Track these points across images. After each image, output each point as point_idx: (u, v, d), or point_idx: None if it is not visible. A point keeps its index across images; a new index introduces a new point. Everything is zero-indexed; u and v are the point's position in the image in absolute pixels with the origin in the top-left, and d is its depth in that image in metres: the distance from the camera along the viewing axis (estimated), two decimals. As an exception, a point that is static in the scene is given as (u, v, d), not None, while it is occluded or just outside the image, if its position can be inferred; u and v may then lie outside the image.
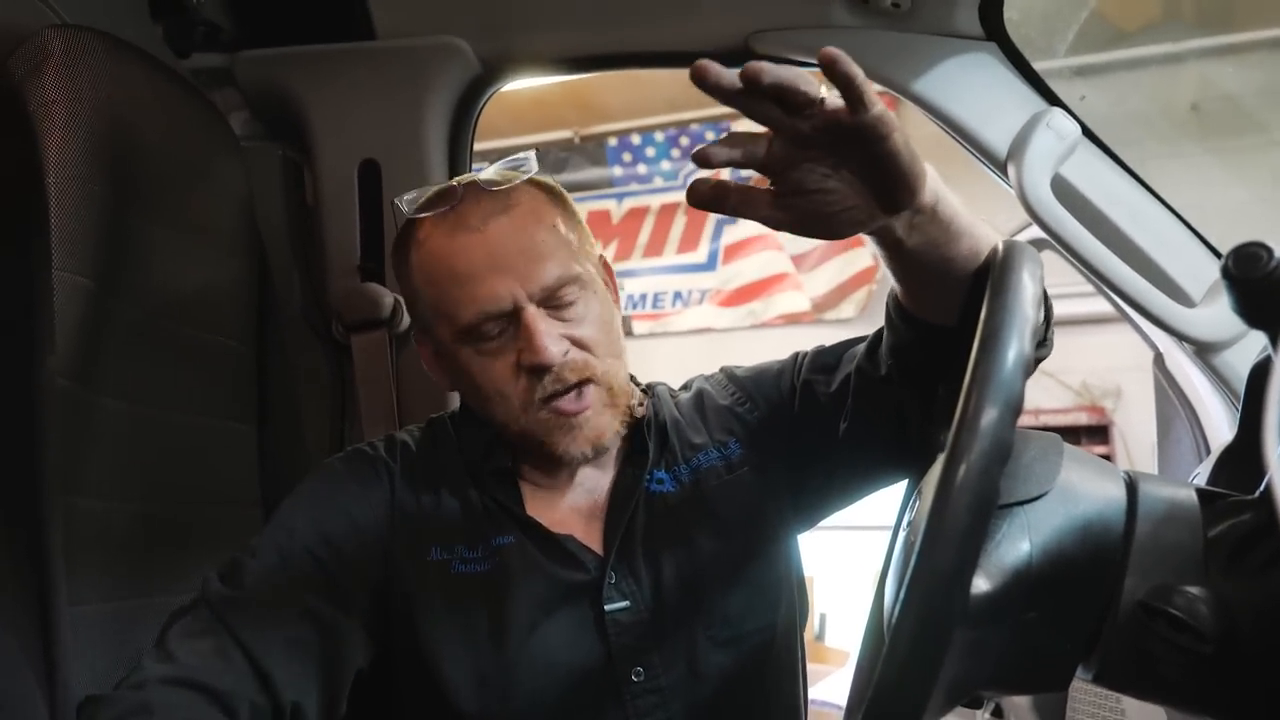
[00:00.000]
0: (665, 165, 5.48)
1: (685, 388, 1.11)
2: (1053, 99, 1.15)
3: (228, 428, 1.20)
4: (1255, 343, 0.99)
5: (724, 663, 0.94)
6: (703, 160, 0.63)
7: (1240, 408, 0.72)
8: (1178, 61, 3.43)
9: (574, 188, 5.44)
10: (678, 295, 5.53)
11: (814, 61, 0.62)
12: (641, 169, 5.51)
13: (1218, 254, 1.08)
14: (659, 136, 5.41)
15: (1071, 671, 0.62)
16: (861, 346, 0.95)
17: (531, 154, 0.97)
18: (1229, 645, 0.55)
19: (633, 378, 1.05)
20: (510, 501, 0.96)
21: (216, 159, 1.23)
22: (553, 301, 0.91)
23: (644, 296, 5.54)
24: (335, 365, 1.39)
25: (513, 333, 0.91)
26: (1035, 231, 1.06)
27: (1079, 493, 0.61)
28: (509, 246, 0.91)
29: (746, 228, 5.37)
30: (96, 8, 1.11)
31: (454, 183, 0.97)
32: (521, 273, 0.90)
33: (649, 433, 1.00)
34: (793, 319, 5.25)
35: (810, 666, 1.07)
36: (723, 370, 1.11)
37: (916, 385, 0.87)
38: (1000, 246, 0.69)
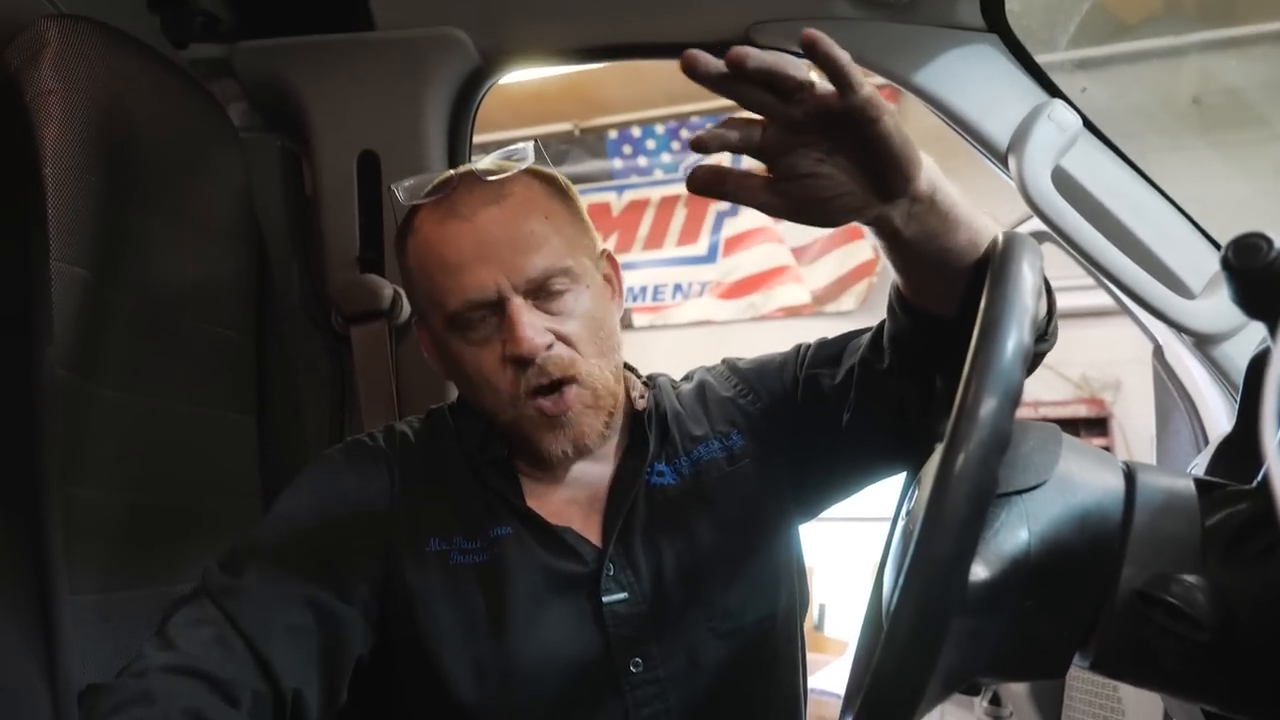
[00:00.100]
0: (665, 158, 5.47)
1: (687, 379, 1.11)
2: (1054, 91, 1.15)
3: (227, 418, 1.20)
4: (1254, 335, 1.00)
5: (724, 654, 0.94)
6: (699, 145, 0.64)
7: (1239, 399, 0.72)
8: (1179, 54, 3.42)
9: (574, 180, 5.38)
10: (678, 288, 5.52)
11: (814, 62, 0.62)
12: (642, 161, 5.50)
13: (1218, 246, 1.08)
14: (659, 129, 5.39)
15: (1069, 659, 0.62)
16: (865, 338, 0.95)
17: (529, 144, 0.97)
18: (1225, 634, 0.55)
19: (634, 370, 1.05)
20: (509, 493, 0.97)
21: (215, 150, 1.23)
22: (540, 294, 0.91)
23: (644, 289, 5.54)
24: (335, 356, 1.39)
25: (498, 323, 0.91)
26: (1036, 224, 1.06)
27: (1077, 482, 0.62)
28: (497, 236, 0.90)
29: (747, 220, 5.37)
30: (94, -3, 1.10)
31: (450, 172, 0.97)
32: (508, 263, 0.89)
33: (649, 425, 1.00)
34: (793, 311, 5.24)
35: (809, 656, 1.08)
36: (725, 362, 1.11)
37: (917, 376, 0.87)
38: (1000, 237, 0.69)
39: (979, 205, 0.78)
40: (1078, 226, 1.01)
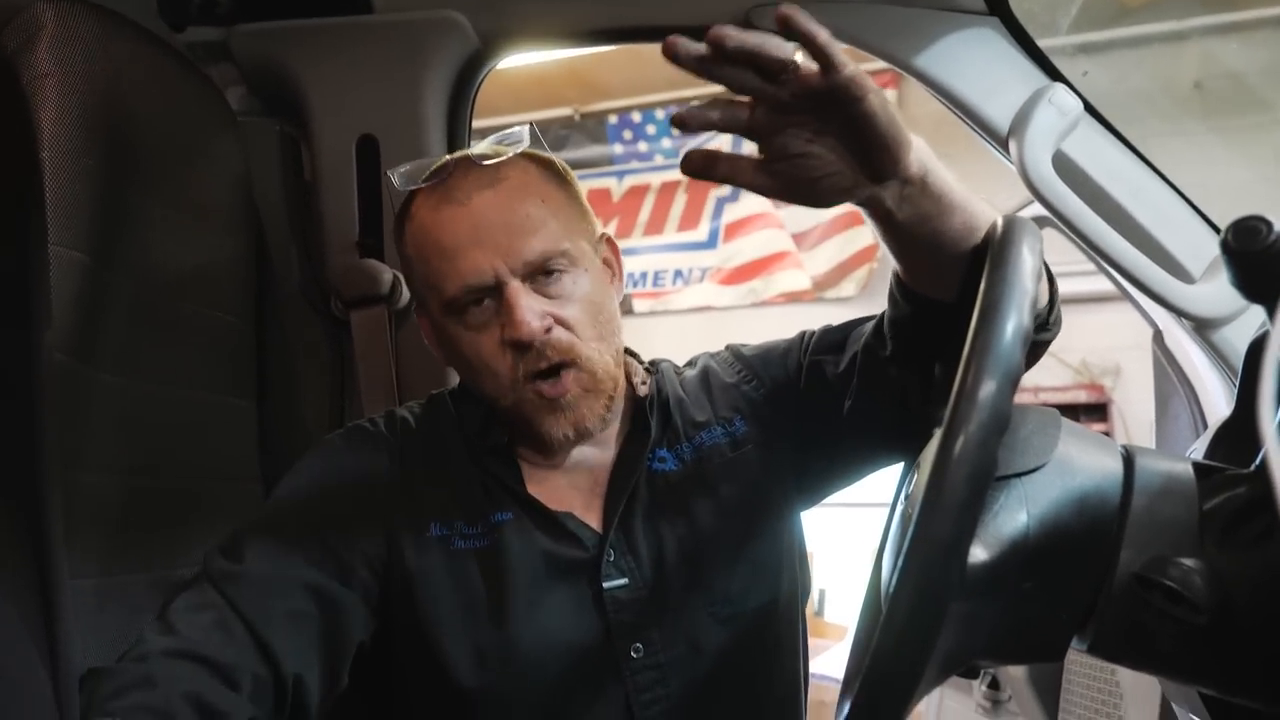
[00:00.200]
0: (666, 143, 5.45)
1: (690, 365, 1.11)
2: (1055, 75, 1.14)
3: (227, 403, 1.20)
4: (1253, 319, 1.00)
5: (724, 639, 0.94)
6: (679, 123, 0.65)
7: (1237, 383, 0.72)
8: (1181, 39, 3.41)
9: (574, 165, 5.37)
10: (678, 273, 5.52)
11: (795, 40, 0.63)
12: (642, 147, 5.49)
13: (1218, 231, 1.07)
14: (659, 114, 5.37)
15: (1067, 642, 0.62)
16: (869, 325, 0.95)
17: (524, 128, 0.96)
18: (1223, 617, 0.55)
19: (636, 355, 1.05)
20: (509, 479, 0.97)
21: (213, 134, 1.22)
22: (538, 277, 0.91)
23: (644, 275, 5.53)
24: (334, 341, 1.39)
25: (496, 307, 0.90)
26: (1036, 210, 1.05)
27: (1076, 465, 0.62)
28: (493, 220, 0.90)
29: (747, 206, 5.36)
30: (90, -21, 1.10)
31: (446, 158, 0.97)
32: (504, 246, 0.89)
33: (651, 411, 1.00)
34: (793, 297, 5.24)
35: (809, 641, 1.08)
36: (729, 348, 1.11)
37: (917, 363, 0.87)
38: (999, 221, 0.69)
39: (980, 190, 0.78)
40: (1078, 211, 1.00)
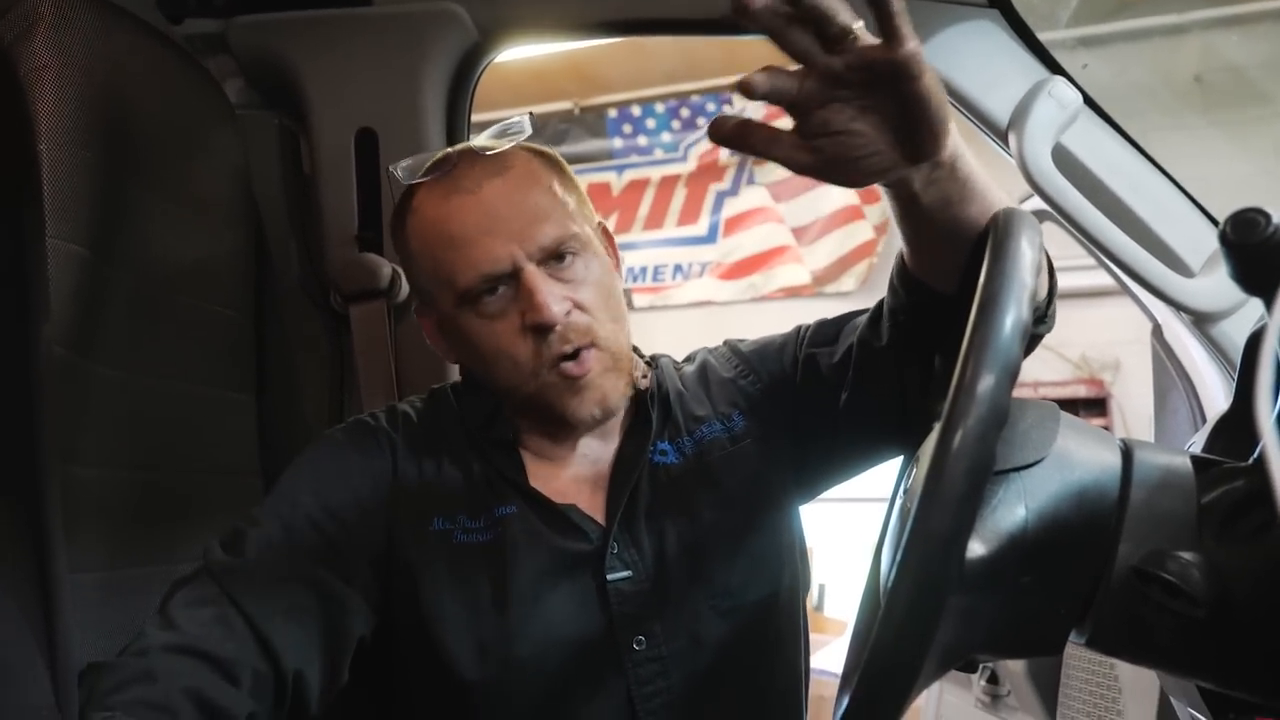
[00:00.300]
0: (666, 137, 5.45)
1: (689, 360, 1.11)
2: (1055, 68, 1.14)
3: (226, 397, 1.20)
4: (1252, 313, 1.00)
5: (725, 632, 0.94)
6: (746, 88, 0.62)
7: (1236, 377, 0.72)
8: (1181, 32, 3.40)
9: (574, 160, 5.37)
10: (678, 268, 5.51)
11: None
12: (642, 141, 5.48)
13: (1217, 224, 1.07)
14: (659, 108, 5.37)
15: (1065, 636, 0.62)
16: (864, 317, 0.95)
17: (525, 117, 0.96)
18: (1221, 610, 0.55)
19: (636, 350, 1.05)
20: (513, 472, 0.97)
21: (211, 127, 1.22)
22: (552, 262, 0.91)
23: (644, 269, 5.53)
24: (334, 335, 1.38)
25: (513, 294, 0.91)
26: (1036, 203, 1.05)
27: (1075, 459, 0.62)
28: (505, 208, 0.90)
29: (747, 200, 5.36)
30: (87, -29, 1.09)
31: (449, 150, 0.96)
32: (519, 233, 0.90)
33: (652, 404, 1.00)
34: (793, 292, 5.24)
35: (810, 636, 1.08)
36: (726, 343, 1.11)
37: (914, 354, 0.87)
38: (1000, 214, 0.69)
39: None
40: (1078, 204, 1.00)
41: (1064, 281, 0.84)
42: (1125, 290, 1.19)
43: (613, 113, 5.44)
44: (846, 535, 3.63)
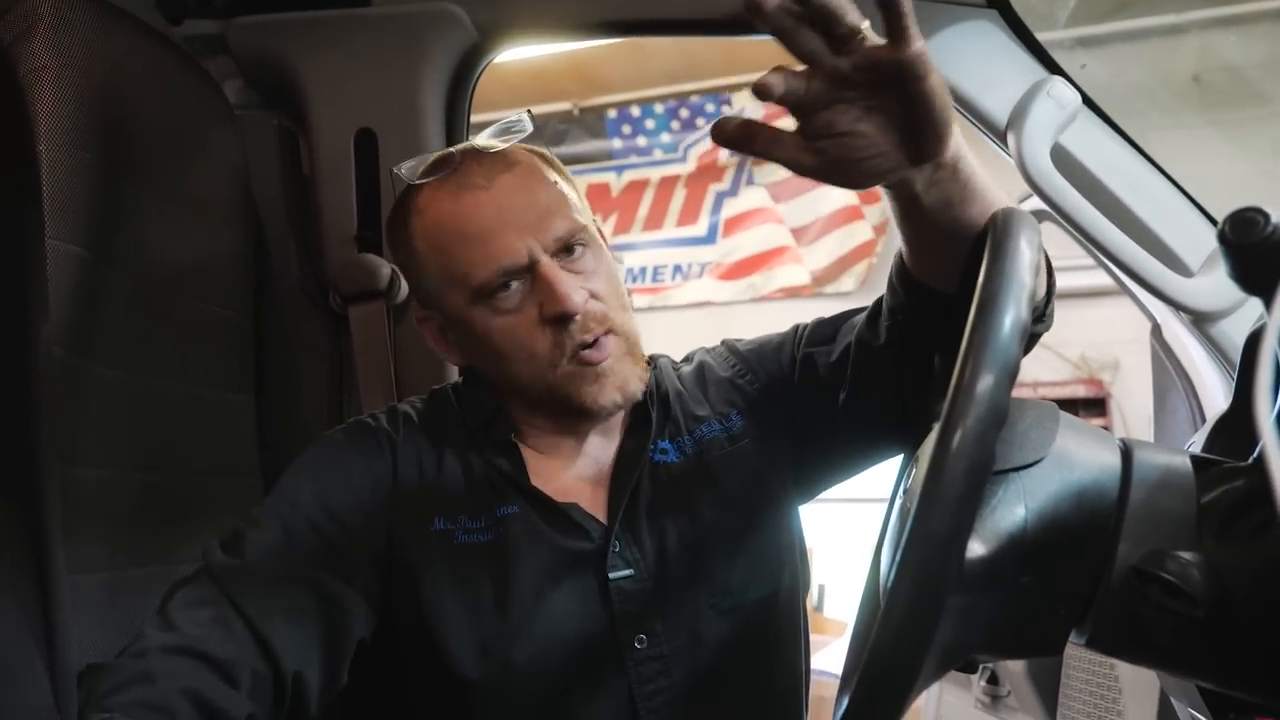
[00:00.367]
0: (665, 137, 5.45)
1: (687, 361, 1.11)
2: (1053, 68, 1.14)
3: (225, 398, 1.20)
4: (1251, 312, 1.00)
5: (726, 631, 0.94)
6: (762, 90, 0.62)
7: (1235, 376, 0.72)
8: (1180, 32, 3.40)
9: (573, 160, 5.42)
10: (677, 269, 5.51)
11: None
12: (641, 141, 5.48)
13: (1216, 224, 1.07)
14: (658, 108, 5.37)
15: (1065, 636, 0.62)
16: (861, 316, 0.96)
17: (524, 116, 0.97)
18: (1221, 610, 0.55)
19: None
20: (514, 471, 0.97)
21: (210, 128, 1.22)
22: (563, 255, 0.92)
23: (643, 270, 5.53)
24: (333, 336, 1.38)
25: (529, 288, 0.91)
26: (1035, 203, 1.05)
27: (1074, 459, 0.62)
28: (518, 201, 0.91)
29: (746, 201, 5.36)
30: (86, -29, 1.09)
31: (450, 150, 0.97)
32: (534, 225, 0.90)
33: (651, 403, 1.00)
34: (792, 292, 5.24)
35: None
36: (724, 343, 1.11)
37: (912, 353, 0.87)
38: (999, 214, 0.69)
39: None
40: (1076, 204, 1.00)
41: (1063, 281, 0.85)
42: (1124, 290, 1.19)
43: (612, 113, 5.44)
44: (846, 535, 3.63)
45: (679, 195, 5.53)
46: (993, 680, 1.46)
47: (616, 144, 5.50)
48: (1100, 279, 1.23)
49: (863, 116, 0.66)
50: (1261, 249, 0.51)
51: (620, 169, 5.58)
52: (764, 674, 0.99)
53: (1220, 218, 0.54)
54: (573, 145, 5.36)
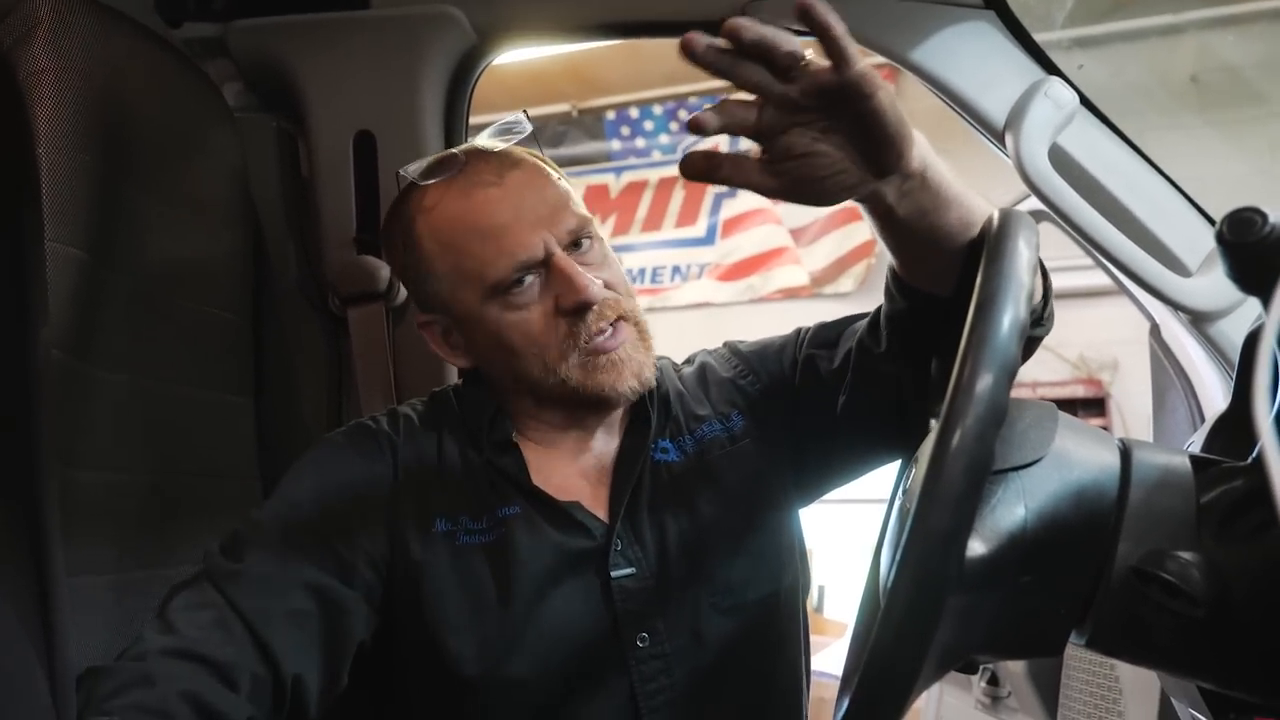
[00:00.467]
0: (663, 139, 5.45)
1: (688, 362, 1.12)
2: (1051, 68, 1.14)
3: (224, 400, 1.20)
4: (1249, 312, 1.00)
5: (727, 630, 0.95)
6: (697, 127, 0.64)
7: (1234, 376, 0.72)
8: (1177, 32, 3.41)
9: (572, 161, 5.43)
10: (676, 270, 5.51)
11: (810, 31, 0.62)
12: (640, 143, 5.48)
13: (1214, 223, 1.08)
14: (657, 110, 5.37)
15: (1065, 636, 0.62)
16: (863, 322, 0.96)
17: (521, 116, 0.98)
18: (1220, 610, 0.55)
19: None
20: (515, 471, 0.97)
21: (210, 130, 1.22)
22: (575, 247, 0.93)
23: (642, 271, 5.53)
24: (332, 338, 1.38)
25: (542, 281, 0.92)
26: (1033, 204, 1.06)
27: (1074, 459, 0.62)
28: (530, 197, 0.92)
29: (745, 202, 5.36)
30: (85, -26, 1.09)
31: (453, 150, 0.97)
32: (547, 219, 0.92)
33: (652, 403, 1.00)
34: (791, 293, 5.24)
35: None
36: (726, 344, 1.12)
37: (913, 359, 0.87)
38: (996, 214, 0.69)
39: (976, 185, 0.78)
40: (1075, 205, 1.00)
41: (1062, 281, 0.85)
42: (1123, 290, 1.19)
43: (610, 115, 5.44)
44: (846, 536, 3.63)
45: (678, 196, 5.54)
46: (993, 681, 1.46)
47: (615, 145, 5.50)
48: (1099, 279, 1.23)
49: (820, 137, 0.67)
50: (1259, 248, 0.52)
51: (619, 170, 5.59)
52: (765, 674, 0.99)
53: (1218, 217, 0.55)
54: (571, 147, 5.36)
